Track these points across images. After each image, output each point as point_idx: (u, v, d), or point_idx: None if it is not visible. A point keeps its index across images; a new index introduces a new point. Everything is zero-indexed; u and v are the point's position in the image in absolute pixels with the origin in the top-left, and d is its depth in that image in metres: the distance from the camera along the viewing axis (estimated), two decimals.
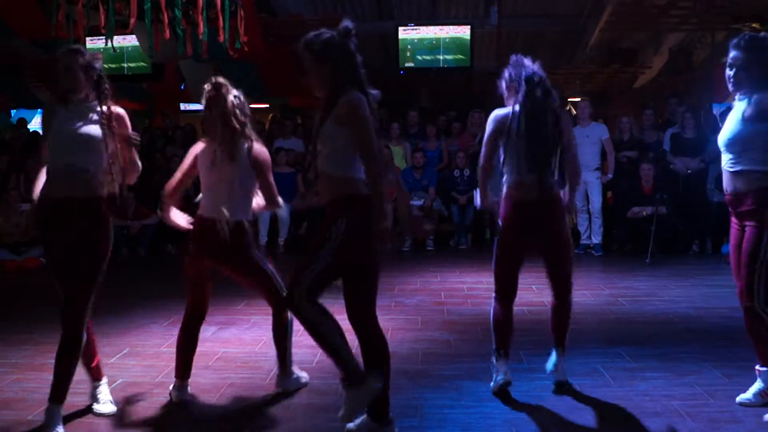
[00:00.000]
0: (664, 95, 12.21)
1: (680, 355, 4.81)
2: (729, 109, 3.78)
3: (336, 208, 3.37)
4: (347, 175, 3.38)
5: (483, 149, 4.11)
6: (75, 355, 3.60)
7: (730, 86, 3.86)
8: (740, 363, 4.52)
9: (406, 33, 11.99)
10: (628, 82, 14.57)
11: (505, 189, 4.07)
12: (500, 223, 4.12)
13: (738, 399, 3.92)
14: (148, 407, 4.00)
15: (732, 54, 3.79)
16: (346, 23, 3.58)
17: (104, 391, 3.94)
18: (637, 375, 4.43)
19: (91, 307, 3.61)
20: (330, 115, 3.37)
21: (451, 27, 12.19)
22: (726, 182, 3.83)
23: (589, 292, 6.51)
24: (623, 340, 5.13)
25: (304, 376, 4.35)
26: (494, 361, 4.21)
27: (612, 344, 4.99)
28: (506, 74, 4.17)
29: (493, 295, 4.25)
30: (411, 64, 12.05)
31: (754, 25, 11.08)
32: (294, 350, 4.97)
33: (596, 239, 9.06)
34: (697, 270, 7.86)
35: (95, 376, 3.96)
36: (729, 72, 3.81)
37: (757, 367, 3.91)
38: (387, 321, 5.69)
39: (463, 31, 12.05)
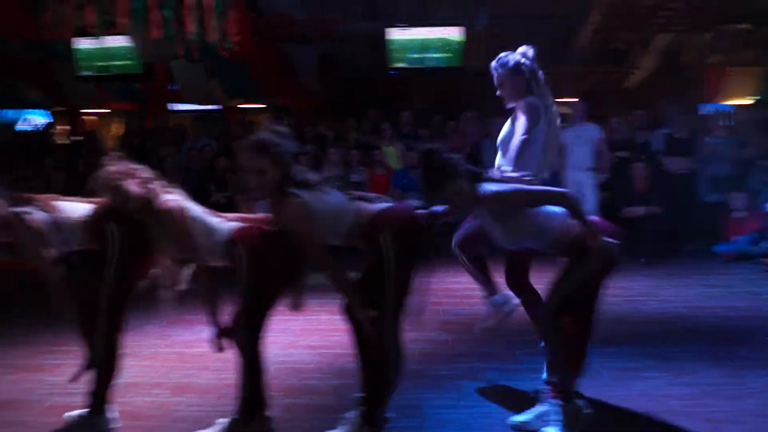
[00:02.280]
0: (655, 95, 12.24)
1: (677, 354, 4.83)
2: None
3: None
4: None
5: None
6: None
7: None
8: (738, 362, 4.54)
9: (395, 34, 11.98)
10: (618, 83, 14.60)
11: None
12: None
13: (512, 419, 3.74)
14: (147, 407, 3.99)
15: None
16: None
17: None
18: (635, 375, 4.45)
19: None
20: None
21: (441, 28, 12.19)
22: None
23: None
24: (620, 340, 5.14)
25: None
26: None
27: (609, 344, 4.97)
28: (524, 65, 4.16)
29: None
30: (402, 65, 12.03)
31: (742, 26, 11.15)
32: (292, 351, 4.99)
33: None
34: (692, 269, 7.88)
35: None
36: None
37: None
38: None
39: (453, 32, 12.06)
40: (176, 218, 3.43)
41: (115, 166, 3.54)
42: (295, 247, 3.43)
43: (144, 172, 3.57)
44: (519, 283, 4.29)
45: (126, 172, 3.52)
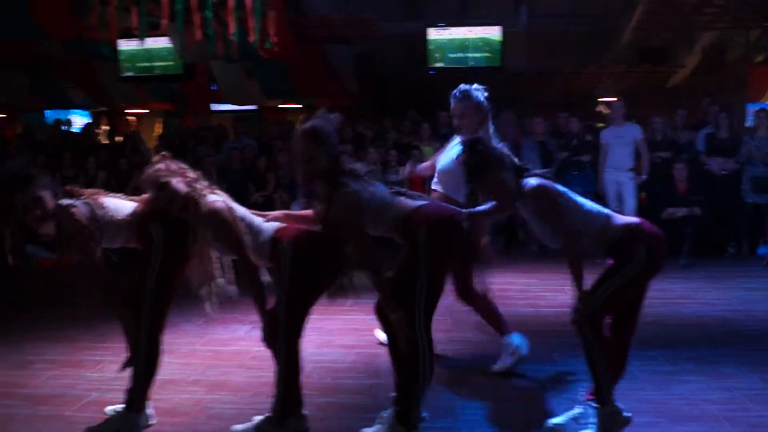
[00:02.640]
0: (697, 95, 12.05)
1: (717, 358, 4.75)
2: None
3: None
4: None
5: None
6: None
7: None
8: None
9: (435, 33, 11.96)
10: (659, 82, 14.41)
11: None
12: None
13: (548, 421, 3.68)
14: (183, 404, 4.04)
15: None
16: None
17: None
18: (674, 378, 4.38)
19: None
20: None
21: (481, 27, 12.13)
22: None
23: None
24: (658, 343, 5.06)
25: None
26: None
27: (647, 347, 4.89)
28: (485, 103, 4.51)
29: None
30: (441, 65, 12.00)
31: None
32: (326, 350, 5.01)
33: None
34: (733, 272, 7.74)
35: None
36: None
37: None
38: None
39: (493, 32, 12.00)
40: (224, 218, 3.46)
41: (162, 164, 3.57)
42: (338, 241, 3.45)
43: (191, 171, 3.60)
44: (467, 294, 4.52)
45: (173, 170, 3.55)
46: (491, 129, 4.60)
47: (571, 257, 3.48)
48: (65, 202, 3.54)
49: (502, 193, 3.57)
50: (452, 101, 4.65)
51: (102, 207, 3.61)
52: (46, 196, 3.50)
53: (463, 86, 4.63)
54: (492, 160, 3.51)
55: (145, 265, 3.59)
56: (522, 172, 3.58)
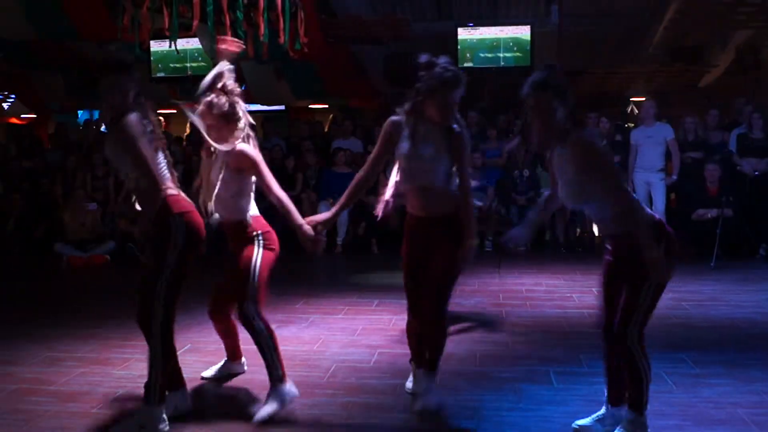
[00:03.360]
0: (730, 94, 11.89)
1: (746, 361, 4.68)
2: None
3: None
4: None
5: None
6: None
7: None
8: None
9: (465, 33, 11.94)
10: (692, 81, 14.23)
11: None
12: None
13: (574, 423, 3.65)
14: (208, 401, 4.07)
15: None
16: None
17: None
18: (702, 381, 4.32)
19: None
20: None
21: (511, 27, 12.09)
22: None
23: None
24: (687, 345, 5.01)
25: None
26: None
27: (675, 349, 4.87)
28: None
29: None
30: (470, 64, 11.97)
31: None
32: (351, 349, 5.03)
33: None
34: (764, 275, 7.63)
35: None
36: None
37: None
38: None
39: (523, 31, 11.95)
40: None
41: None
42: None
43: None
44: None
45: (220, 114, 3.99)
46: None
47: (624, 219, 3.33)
48: (136, 116, 3.60)
49: (547, 120, 3.40)
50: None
51: (155, 153, 3.65)
52: (131, 92, 3.63)
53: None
54: (557, 90, 3.38)
55: (161, 257, 3.58)
56: (579, 122, 3.47)
